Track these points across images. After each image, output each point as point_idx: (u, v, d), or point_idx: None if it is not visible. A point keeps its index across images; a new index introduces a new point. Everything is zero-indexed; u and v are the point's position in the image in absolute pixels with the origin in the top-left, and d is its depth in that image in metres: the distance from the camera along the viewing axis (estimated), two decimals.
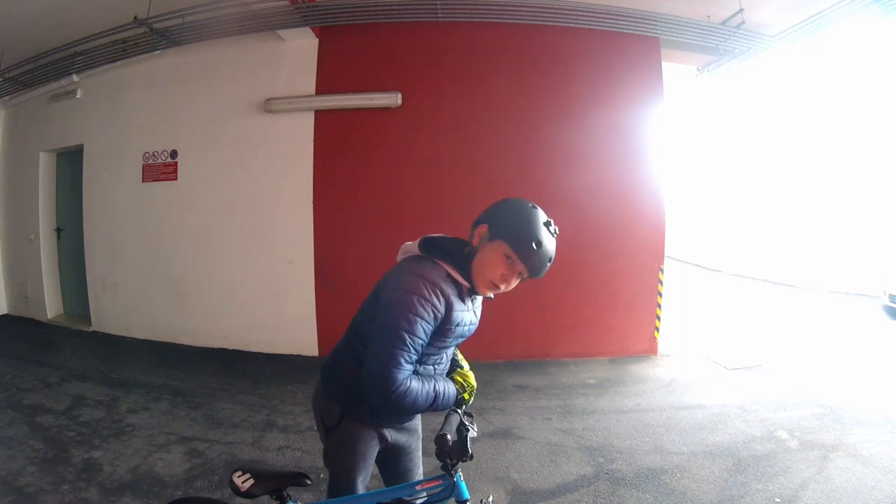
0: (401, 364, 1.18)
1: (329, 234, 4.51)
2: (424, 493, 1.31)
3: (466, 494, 1.26)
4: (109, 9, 4.03)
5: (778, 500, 2.35)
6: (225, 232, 4.71)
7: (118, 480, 2.46)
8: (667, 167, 4.72)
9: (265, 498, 1.37)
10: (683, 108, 8.30)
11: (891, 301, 6.30)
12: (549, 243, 1.24)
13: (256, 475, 1.33)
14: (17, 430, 2.96)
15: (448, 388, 1.31)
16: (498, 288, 1.26)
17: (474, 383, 1.41)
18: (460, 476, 1.25)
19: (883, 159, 8.30)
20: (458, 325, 1.29)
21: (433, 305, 1.21)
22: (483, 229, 1.27)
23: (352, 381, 1.33)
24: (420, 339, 1.21)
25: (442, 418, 1.32)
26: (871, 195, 8.50)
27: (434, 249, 1.29)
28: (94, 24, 4.27)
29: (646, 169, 4.57)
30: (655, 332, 4.61)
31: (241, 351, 4.65)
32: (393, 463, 1.52)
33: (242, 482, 1.31)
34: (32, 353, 4.43)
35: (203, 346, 4.74)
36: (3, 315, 5.76)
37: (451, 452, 1.18)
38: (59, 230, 5.58)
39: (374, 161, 4.47)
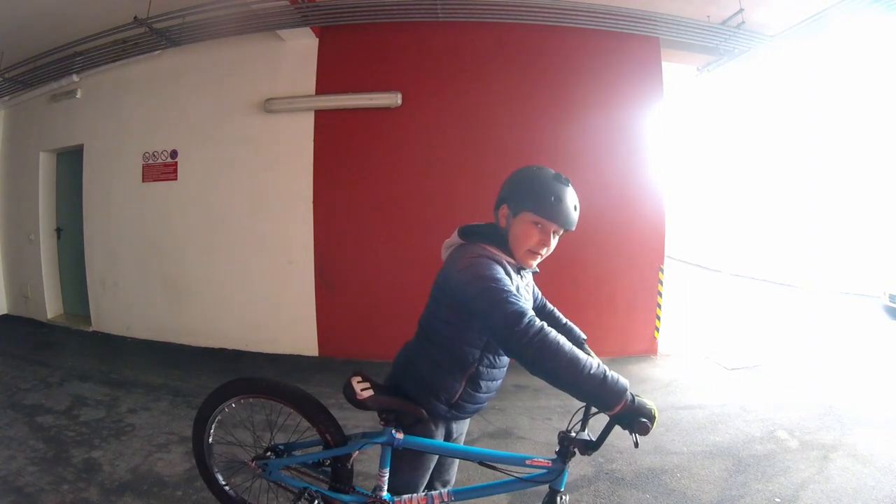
0: (522, 310, 1.13)
1: (329, 234, 4.51)
2: (529, 469, 1.28)
3: (564, 485, 1.24)
4: (109, 9, 4.03)
5: (778, 500, 2.34)
6: (225, 232, 4.71)
7: (118, 480, 2.46)
8: (667, 167, 4.72)
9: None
10: (683, 108, 8.29)
11: (891, 301, 6.30)
12: (567, 193, 1.29)
13: (376, 387, 1.26)
14: (17, 430, 2.96)
15: (619, 377, 1.11)
16: (539, 254, 1.33)
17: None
18: (569, 466, 1.23)
19: (883, 159, 8.29)
20: None
21: (498, 266, 1.24)
22: (504, 209, 1.33)
23: (427, 379, 1.36)
24: (510, 285, 1.20)
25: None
26: (872, 195, 8.50)
27: (473, 235, 1.36)
28: (94, 24, 4.26)
29: (646, 169, 4.57)
30: (655, 332, 4.61)
31: (241, 351, 4.65)
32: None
33: (361, 389, 1.24)
34: (32, 353, 4.42)
35: (203, 346, 4.74)
36: (3, 315, 5.76)
37: (580, 442, 1.15)
38: (59, 230, 5.58)
39: (374, 161, 4.47)
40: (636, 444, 1.14)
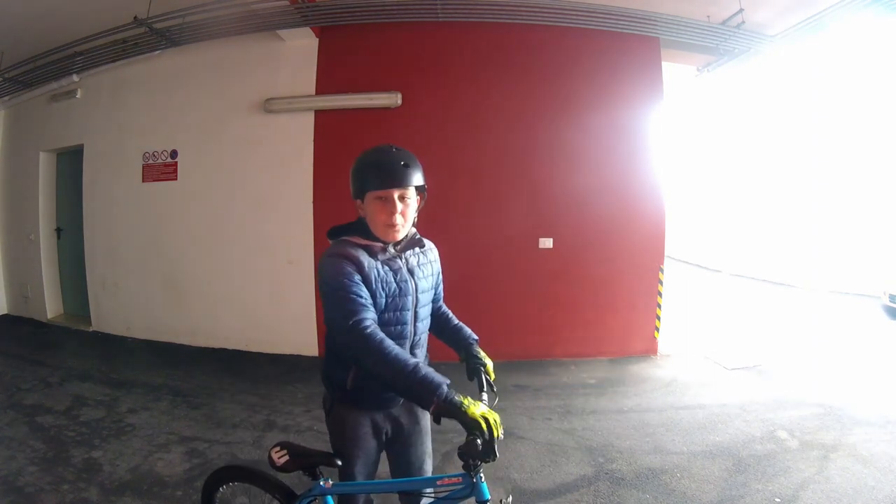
0: (354, 309, 1.23)
1: None
2: (443, 489, 1.32)
3: (487, 495, 1.24)
4: (109, 9, 4.03)
5: (778, 500, 2.35)
6: (225, 232, 4.71)
7: (118, 480, 2.46)
8: (667, 167, 4.72)
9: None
10: (683, 108, 8.29)
11: (891, 301, 6.29)
12: (389, 156, 1.33)
13: (292, 452, 1.41)
14: (17, 430, 2.96)
15: (435, 375, 1.14)
16: (393, 221, 1.33)
17: (492, 425, 1.11)
18: (482, 476, 1.24)
19: (883, 159, 8.29)
20: (381, 282, 1.34)
21: (347, 266, 1.29)
22: (357, 202, 1.39)
23: (334, 370, 1.44)
24: (356, 286, 1.27)
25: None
26: (871, 195, 8.50)
27: (336, 233, 1.43)
28: (94, 24, 4.27)
29: (646, 169, 4.57)
30: (655, 332, 4.61)
31: (242, 351, 4.65)
32: (397, 455, 1.55)
33: (279, 457, 1.40)
34: (32, 353, 4.43)
35: (203, 346, 4.74)
36: (3, 315, 5.77)
37: (474, 453, 1.16)
38: (59, 230, 5.58)
39: None
40: (471, 465, 1.18)
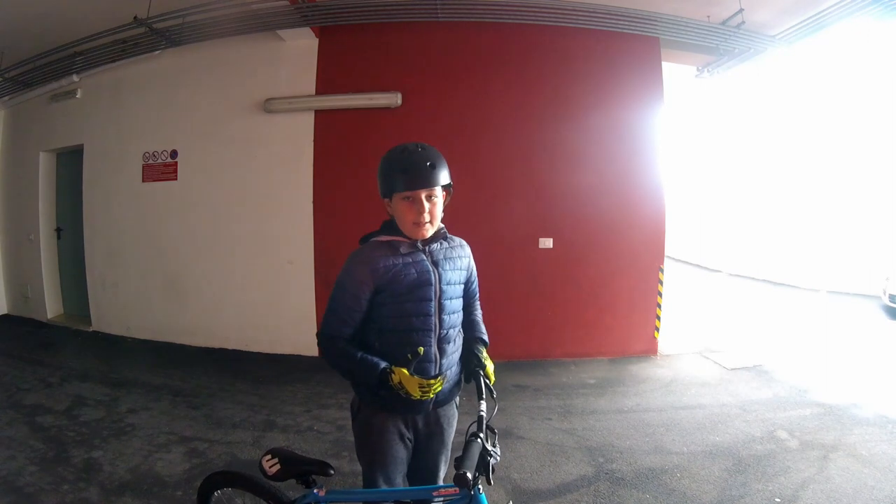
0: (329, 323, 1.40)
1: (329, 235, 4.51)
2: (441, 500, 1.30)
3: None
4: (109, 9, 4.03)
5: (778, 500, 2.34)
6: (225, 232, 4.71)
7: (118, 480, 2.46)
8: (667, 167, 4.72)
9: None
10: (683, 109, 8.29)
11: (891, 301, 6.29)
12: (414, 157, 1.35)
13: (284, 460, 1.39)
14: (17, 430, 2.96)
15: (371, 361, 1.33)
16: (421, 220, 1.37)
17: (416, 391, 1.30)
18: (479, 488, 1.23)
19: (882, 159, 8.29)
20: (400, 273, 1.37)
21: (359, 273, 1.37)
22: (385, 201, 1.44)
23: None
24: (350, 298, 1.38)
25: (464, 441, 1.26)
26: (871, 195, 8.49)
27: (367, 236, 1.49)
28: (94, 24, 4.27)
29: (646, 169, 4.57)
30: (655, 332, 4.61)
31: (242, 351, 4.65)
32: (414, 461, 1.53)
33: (270, 466, 1.38)
34: (32, 353, 4.43)
35: (203, 346, 4.74)
36: (3, 315, 5.77)
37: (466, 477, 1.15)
38: (59, 230, 5.58)
39: (374, 161, 4.44)
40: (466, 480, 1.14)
